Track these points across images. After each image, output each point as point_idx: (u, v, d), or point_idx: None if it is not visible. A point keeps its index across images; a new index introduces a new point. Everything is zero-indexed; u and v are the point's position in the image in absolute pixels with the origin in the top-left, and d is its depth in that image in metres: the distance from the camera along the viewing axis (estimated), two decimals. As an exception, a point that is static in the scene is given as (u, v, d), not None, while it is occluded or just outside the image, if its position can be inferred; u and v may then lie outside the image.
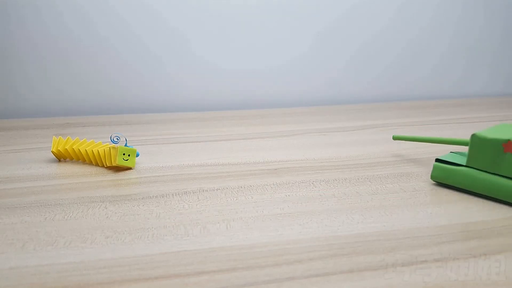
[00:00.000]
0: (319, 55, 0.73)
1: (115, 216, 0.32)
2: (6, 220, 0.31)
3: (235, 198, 0.35)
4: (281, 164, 0.43)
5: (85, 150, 0.42)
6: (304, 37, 0.72)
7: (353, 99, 0.76)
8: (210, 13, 0.67)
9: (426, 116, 0.64)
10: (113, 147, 0.41)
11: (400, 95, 0.78)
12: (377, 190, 0.36)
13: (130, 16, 0.65)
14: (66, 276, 0.24)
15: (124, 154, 0.40)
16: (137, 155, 0.42)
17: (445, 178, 0.37)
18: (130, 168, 0.42)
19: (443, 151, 0.46)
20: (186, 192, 0.36)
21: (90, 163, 0.43)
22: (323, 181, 0.38)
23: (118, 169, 0.41)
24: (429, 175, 0.39)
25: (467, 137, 0.37)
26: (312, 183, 0.38)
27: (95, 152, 0.42)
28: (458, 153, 0.38)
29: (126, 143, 0.41)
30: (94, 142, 0.44)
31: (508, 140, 0.33)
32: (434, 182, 0.38)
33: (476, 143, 0.34)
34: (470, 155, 0.35)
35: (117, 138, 0.41)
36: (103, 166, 0.42)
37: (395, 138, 0.45)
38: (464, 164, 0.36)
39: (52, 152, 0.43)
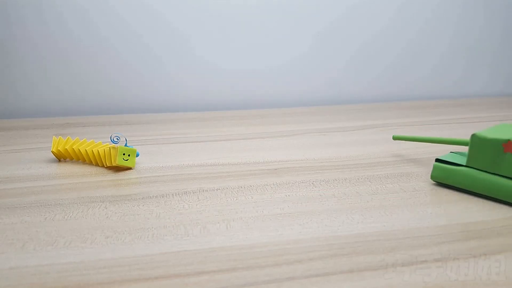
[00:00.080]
0: (319, 55, 0.73)
1: (115, 216, 0.32)
2: (6, 220, 0.31)
3: (235, 198, 0.35)
4: (281, 164, 0.43)
5: (85, 150, 0.42)
6: (304, 37, 0.72)
7: (353, 99, 0.76)
8: (210, 13, 0.67)
9: (426, 116, 0.64)
10: (113, 147, 0.41)
11: (400, 95, 0.78)
12: (377, 190, 0.36)
13: (130, 16, 0.65)
14: (66, 276, 0.24)
15: (124, 154, 0.40)
16: (137, 155, 0.42)
17: (445, 178, 0.37)
18: (130, 168, 0.42)
19: (443, 151, 0.46)
20: (186, 192, 0.36)
21: (90, 163, 0.43)
22: (323, 181, 0.38)
23: (118, 169, 0.41)
24: (429, 175, 0.39)
25: (467, 137, 0.37)
26: (312, 183, 0.38)
27: (95, 152, 0.42)
28: (458, 153, 0.38)
29: (126, 143, 0.41)
30: (94, 142, 0.44)
31: (508, 140, 0.33)
32: (434, 182, 0.38)
33: (476, 143, 0.34)
34: (470, 155, 0.35)
35: (117, 138, 0.41)
36: (103, 166, 0.42)
37: (395, 138, 0.45)
38: (464, 164, 0.36)
39: (52, 152, 0.43)
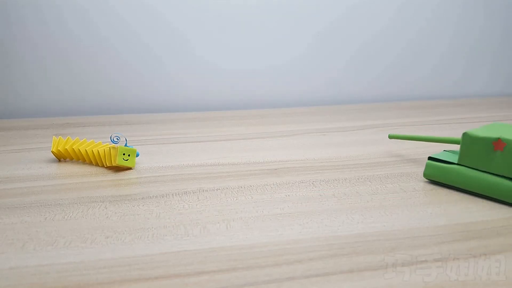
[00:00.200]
0: (319, 55, 0.73)
1: (115, 216, 0.32)
2: (6, 220, 0.31)
3: (235, 198, 0.35)
4: (281, 164, 0.43)
5: (85, 150, 0.42)
6: (304, 37, 0.72)
7: (353, 99, 0.76)
8: (210, 13, 0.67)
9: (426, 116, 0.64)
10: (113, 147, 0.41)
11: (400, 95, 0.78)
12: (377, 190, 0.36)
13: (130, 16, 0.65)
14: (66, 276, 0.24)
15: (124, 154, 0.40)
16: (137, 155, 0.42)
17: (438, 176, 0.37)
18: (130, 168, 0.42)
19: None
20: (186, 192, 0.36)
21: (90, 163, 0.43)
22: (323, 181, 0.38)
23: (118, 169, 0.41)
24: (429, 175, 0.39)
25: None
26: (312, 183, 0.38)
27: (95, 152, 0.42)
28: (451, 152, 0.39)
29: (126, 143, 0.41)
30: (94, 142, 0.44)
31: (498, 139, 0.33)
32: (434, 182, 0.38)
33: (467, 141, 0.35)
34: (461, 153, 0.36)
35: (117, 138, 0.41)
36: (103, 166, 0.42)
37: (390, 136, 0.45)
38: (456, 162, 0.36)
39: (52, 152, 0.43)
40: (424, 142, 0.45)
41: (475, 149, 0.35)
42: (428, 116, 0.64)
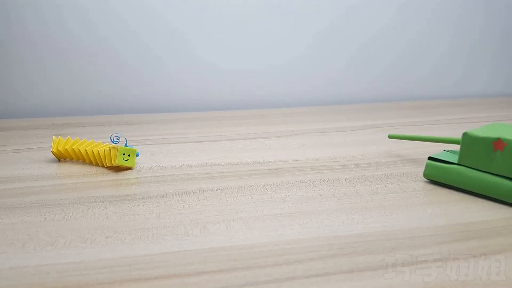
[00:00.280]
0: (319, 55, 0.73)
1: (115, 216, 0.32)
2: (6, 220, 0.31)
3: (235, 198, 0.35)
4: (281, 164, 0.43)
5: (85, 150, 0.42)
6: (304, 37, 0.72)
7: (353, 99, 0.76)
8: (210, 13, 0.67)
9: (426, 116, 0.64)
10: (113, 147, 0.41)
11: (400, 95, 0.78)
12: (377, 190, 0.36)
13: (130, 16, 0.65)
14: (66, 276, 0.24)
15: (124, 154, 0.40)
16: (137, 155, 0.42)
17: (438, 176, 0.37)
18: (130, 168, 0.42)
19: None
20: (186, 192, 0.36)
21: (90, 163, 0.43)
22: (323, 181, 0.38)
23: (118, 169, 0.41)
24: (429, 175, 0.39)
25: None
26: (312, 183, 0.38)
27: (95, 152, 0.42)
28: (451, 152, 0.39)
29: (126, 143, 0.41)
30: (94, 142, 0.44)
31: (498, 139, 0.33)
32: (434, 182, 0.38)
33: (467, 141, 0.35)
34: (461, 153, 0.36)
35: (117, 138, 0.41)
36: (103, 166, 0.42)
37: (390, 136, 0.45)
38: (456, 162, 0.36)
39: (52, 152, 0.43)
40: (424, 142, 0.45)
41: (475, 149, 0.35)
42: (428, 116, 0.64)
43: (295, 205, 0.34)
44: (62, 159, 0.44)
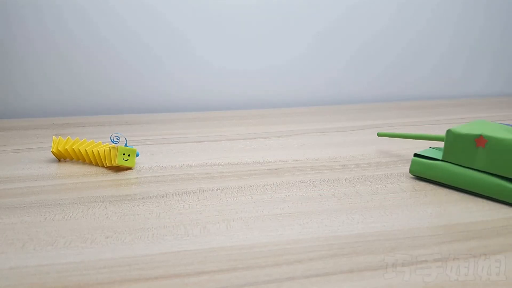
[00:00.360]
0: (319, 55, 0.73)
1: (115, 216, 0.32)
2: (6, 220, 0.31)
3: (235, 198, 0.35)
4: (281, 164, 0.43)
5: (85, 150, 0.42)
6: (304, 37, 0.72)
7: (353, 99, 0.76)
8: (210, 13, 0.67)
9: (426, 116, 0.64)
10: (113, 147, 0.41)
11: (400, 95, 0.78)
12: (377, 190, 0.36)
13: (130, 16, 0.65)
14: (66, 276, 0.24)
15: (124, 154, 0.40)
16: (137, 155, 0.42)
17: (423, 172, 0.38)
18: (130, 168, 0.42)
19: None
20: (186, 192, 0.36)
21: (90, 163, 0.43)
22: (323, 181, 0.38)
23: (118, 169, 0.41)
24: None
25: None
26: (312, 183, 0.38)
27: (95, 152, 0.42)
28: (436, 149, 0.40)
29: (126, 143, 0.41)
30: (94, 142, 0.44)
31: (480, 135, 0.34)
32: (420, 178, 0.38)
33: (451, 138, 0.36)
34: (445, 150, 0.37)
35: (117, 138, 0.41)
36: (103, 166, 0.42)
37: (380, 135, 0.46)
38: (441, 158, 0.37)
39: (52, 152, 0.43)
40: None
41: (458, 145, 0.35)
42: (428, 116, 0.64)
43: (295, 205, 0.34)
44: (62, 159, 0.44)
